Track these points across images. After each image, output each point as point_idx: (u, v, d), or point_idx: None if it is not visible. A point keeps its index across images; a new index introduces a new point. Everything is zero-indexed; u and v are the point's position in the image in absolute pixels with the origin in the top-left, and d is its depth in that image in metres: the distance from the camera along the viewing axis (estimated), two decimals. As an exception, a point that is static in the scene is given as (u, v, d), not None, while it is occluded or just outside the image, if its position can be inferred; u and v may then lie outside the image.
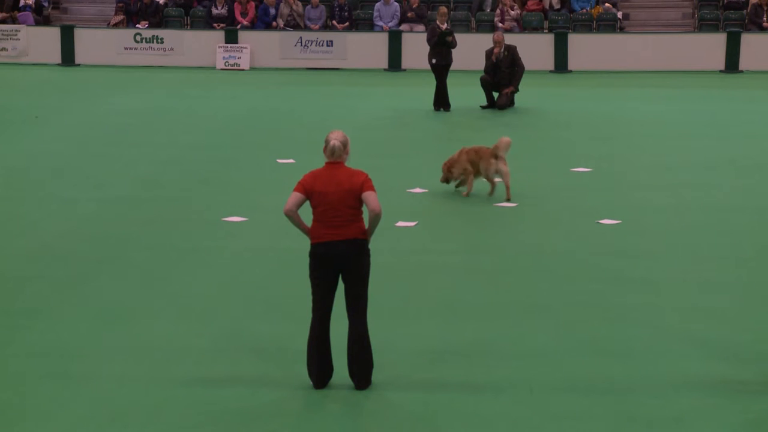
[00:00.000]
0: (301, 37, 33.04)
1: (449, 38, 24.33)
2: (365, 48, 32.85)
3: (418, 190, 16.74)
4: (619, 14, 34.39)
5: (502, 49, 24.76)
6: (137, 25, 34.48)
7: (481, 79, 24.87)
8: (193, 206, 15.79)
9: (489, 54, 24.91)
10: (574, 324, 11.03)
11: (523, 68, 24.90)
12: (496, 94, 25.02)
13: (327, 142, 9.30)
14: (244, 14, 34.29)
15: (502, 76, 24.74)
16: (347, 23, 34.13)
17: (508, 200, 16.04)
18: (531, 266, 12.99)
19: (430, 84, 24.98)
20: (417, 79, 29.39)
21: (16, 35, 33.91)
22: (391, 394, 9.30)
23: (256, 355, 10.16)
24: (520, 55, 25.04)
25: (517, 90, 24.83)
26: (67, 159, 19.23)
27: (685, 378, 9.66)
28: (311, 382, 9.40)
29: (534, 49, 31.54)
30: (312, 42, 32.96)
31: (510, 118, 23.82)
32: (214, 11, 34.39)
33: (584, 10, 34.29)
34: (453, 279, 12.54)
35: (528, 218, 15.17)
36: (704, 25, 33.91)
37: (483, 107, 24.84)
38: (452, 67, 24.68)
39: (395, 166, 18.26)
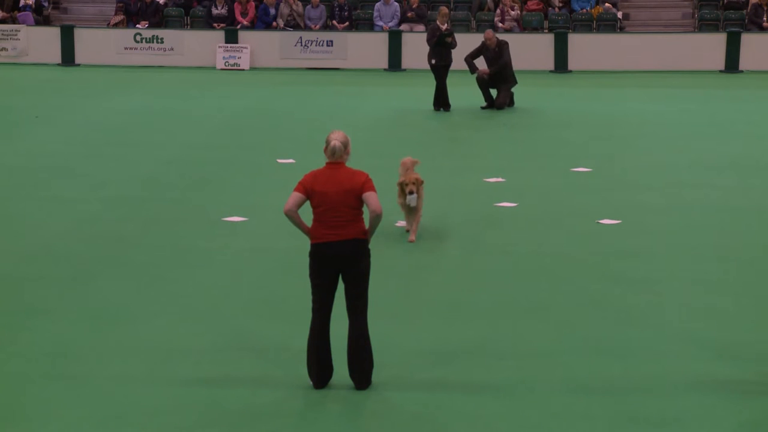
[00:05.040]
0: (301, 37, 33.03)
1: (449, 39, 24.32)
2: (365, 48, 32.84)
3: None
4: (619, 14, 34.38)
5: (494, 46, 24.75)
6: (137, 25, 34.48)
7: (478, 79, 24.84)
8: (193, 206, 15.79)
9: (485, 45, 24.88)
10: (574, 324, 11.04)
11: (506, 63, 24.67)
12: (495, 94, 25.00)
13: (328, 142, 9.30)
14: (244, 14, 34.29)
15: (490, 69, 24.76)
16: (347, 23, 34.12)
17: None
18: (531, 266, 12.99)
19: (430, 84, 24.98)
20: (417, 79, 29.40)
21: (16, 35, 33.91)
22: (391, 394, 9.30)
23: (256, 355, 10.16)
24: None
25: (492, 74, 24.61)
26: (67, 159, 19.23)
27: (685, 378, 9.67)
28: (311, 382, 9.41)
29: (534, 49, 31.54)
30: (312, 42, 32.96)
31: (510, 118, 23.82)
32: (214, 11, 34.39)
33: (584, 10, 34.28)
34: (453, 279, 12.54)
35: (528, 218, 15.17)
36: (704, 25, 33.90)
37: (483, 108, 24.83)
38: (452, 68, 24.68)
39: (395, 166, 18.23)
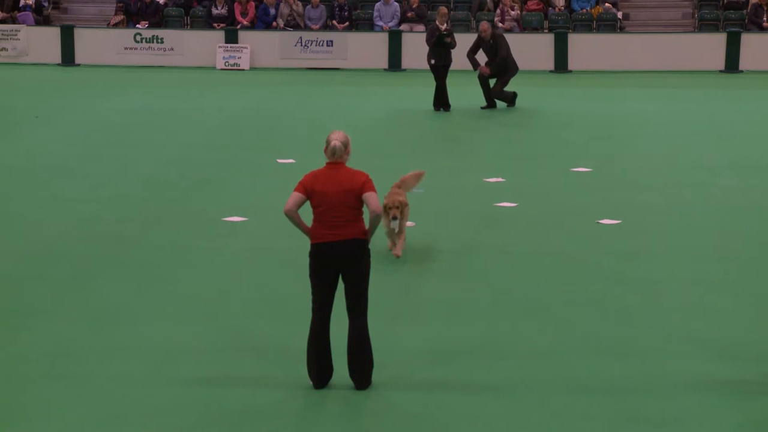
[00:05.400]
0: (301, 37, 33.04)
1: (448, 39, 24.30)
2: (365, 48, 32.84)
3: (420, 190, 16.71)
4: (619, 14, 34.38)
5: (489, 38, 24.69)
6: (137, 25, 34.48)
7: (479, 77, 24.80)
8: (193, 206, 15.79)
9: (482, 38, 24.84)
10: (574, 324, 11.04)
11: (504, 56, 24.65)
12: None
13: (328, 142, 9.30)
14: (244, 14, 34.29)
15: (491, 64, 24.71)
16: (347, 23, 34.13)
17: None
18: (531, 266, 12.99)
19: (430, 84, 24.98)
20: (417, 79, 29.39)
21: (16, 35, 33.91)
22: (391, 394, 9.30)
23: (256, 355, 10.16)
24: (521, 55, 24.92)
25: (493, 72, 24.61)
26: (67, 159, 19.23)
27: (685, 378, 9.67)
28: (311, 382, 9.41)
29: (534, 49, 31.54)
30: (312, 42, 32.96)
31: (510, 118, 23.82)
32: (214, 11, 34.39)
33: (584, 10, 34.29)
34: (453, 279, 12.54)
35: (528, 218, 15.17)
36: (704, 25, 33.91)
37: (483, 108, 24.80)
38: (452, 68, 24.65)
39: (395, 166, 18.24)
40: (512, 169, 18.31)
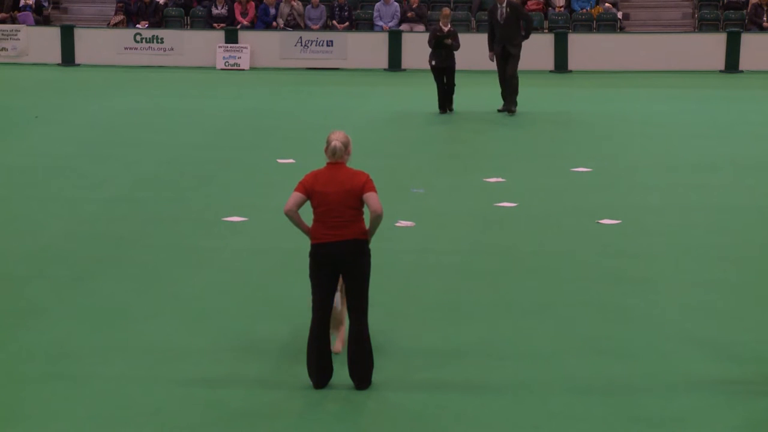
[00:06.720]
0: (301, 37, 33.04)
1: (448, 41, 24.23)
2: (365, 48, 32.85)
3: (420, 189, 16.72)
4: (619, 14, 34.39)
5: (504, 5, 24.34)
6: (137, 25, 34.49)
7: (499, 77, 24.40)
8: (193, 206, 15.79)
9: (492, 12, 24.63)
10: (574, 324, 11.03)
11: (531, 20, 24.60)
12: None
13: (328, 142, 9.30)
14: (244, 14, 34.30)
15: (508, 33, 24.25)
16: (347, 23, 34.13)
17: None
18: (531, 266, 12.99)
19: (431, 84, 24.97)
20: (417, 79, 29.39)
21: (16, 35, 33.91)
22: (391, 394, 9.30)
23: (256, 355, 10.16)
24: (523, 53, 24.83)
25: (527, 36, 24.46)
26: (67, 159, 19.23)
27: (685, 378, 9.67)
28: (311, 382, 9.40)
29: (534, 49, 31.50)
30: (312, 42, 32.96)
31: (510, 118, 23.80)
32: (214, 11, 34.40)
33: (584, 10, 34.29)
34: (453, 279, 12.54)
35: (528, 218, 15.17)
36: (704, 25, 33.91)
37: (500, 110, 24.38)
38: (457, 68, 24.44)
39: (395, 167, 18.26)
40: (512, 169, 18.30)
